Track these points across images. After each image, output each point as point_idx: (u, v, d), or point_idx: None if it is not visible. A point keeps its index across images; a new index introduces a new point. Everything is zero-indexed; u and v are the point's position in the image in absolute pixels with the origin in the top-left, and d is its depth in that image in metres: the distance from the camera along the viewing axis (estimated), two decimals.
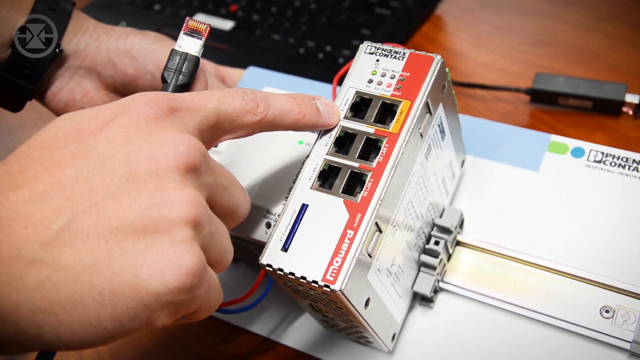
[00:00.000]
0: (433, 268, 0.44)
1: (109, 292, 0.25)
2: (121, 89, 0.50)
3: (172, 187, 0.27)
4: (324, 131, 0.38)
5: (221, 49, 0.72)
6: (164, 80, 0.36)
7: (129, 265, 0.25)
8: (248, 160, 0.43)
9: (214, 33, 0.74)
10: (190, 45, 0.37)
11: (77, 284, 0.24)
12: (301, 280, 0.33)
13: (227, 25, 0.75)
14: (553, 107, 0.58)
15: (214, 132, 0.32)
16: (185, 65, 0.36)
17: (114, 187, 0.26)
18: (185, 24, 0.37)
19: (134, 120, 0.28)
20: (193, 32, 0.37)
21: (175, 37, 0.55)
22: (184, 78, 0.36)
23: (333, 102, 0.37)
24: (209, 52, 0.71)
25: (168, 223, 0.26)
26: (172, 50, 0.37)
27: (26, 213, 0.25)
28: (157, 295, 0.26)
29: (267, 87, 0.47)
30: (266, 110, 0.33)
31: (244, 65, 0.62)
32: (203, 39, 0.37)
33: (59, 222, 0.25)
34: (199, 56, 0.37)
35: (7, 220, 0.24)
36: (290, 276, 0.34)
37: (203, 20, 0.38)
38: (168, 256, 0.26)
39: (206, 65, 0.56)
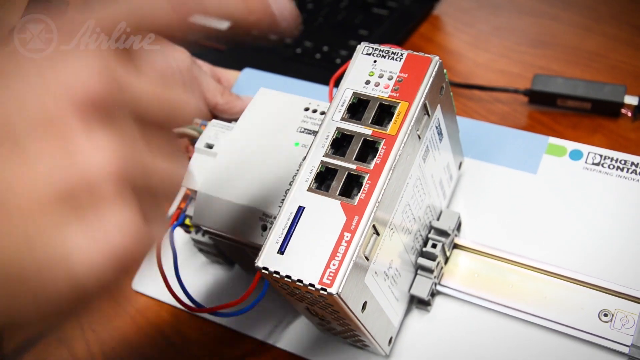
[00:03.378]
0: (430, 271, 0.43)
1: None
2: None
3: (76, 141, 0.21)
4: (320, 132, 0.37)
5: (217, 49, 0.72)
6: None
7: (53, 252, 0.21)
8: (244, 163, 0.43)
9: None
10: None
11: None
12: (297, 283, 0.33)
13: (223, 25, 0.75)
14: (551, 109, 0.58)
15: (133, 34, 0.25)
16: None
17: (7, 155, 0.21)
18: None
19: (22, 60, 0.22)
20: None
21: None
22: None
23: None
24: (205, 52, 0.70)
25: (85, 191, 0.21)
26: None
27: None
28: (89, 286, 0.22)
29: (263, 88, 0.47)
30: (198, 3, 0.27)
31: (240, 65, 0.62)
32: None
33: None
34: None
35: None
36: (286, 279, 0.33)
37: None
38: (95, 238, 0.21)
39: (202, 66, 0.56)
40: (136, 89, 0.24)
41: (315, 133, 0.39)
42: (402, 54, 0.39)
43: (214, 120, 0.46)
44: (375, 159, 0.35)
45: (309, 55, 0.68)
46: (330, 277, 0.32)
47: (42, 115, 0.21)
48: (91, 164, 0.21)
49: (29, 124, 0.21)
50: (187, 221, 0.46)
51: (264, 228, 0.41)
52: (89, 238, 0.21)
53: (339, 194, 0.35)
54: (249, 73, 0.60)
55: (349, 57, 0.40)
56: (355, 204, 0.34)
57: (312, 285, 0.33)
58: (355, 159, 0.36)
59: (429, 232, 0.44)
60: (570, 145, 0.49)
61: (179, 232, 0.51)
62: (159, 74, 0.25)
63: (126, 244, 0.22)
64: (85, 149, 0.21)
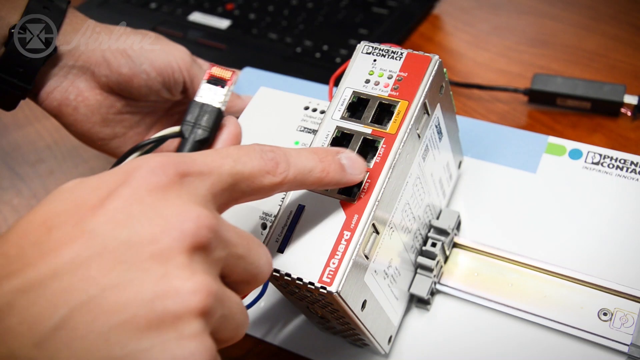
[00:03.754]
0: (430, 270, 0.43)
1: None
2: (116, 88, 0.49)
3: (177, 275, 0.24)
4: (320, 131, 0.37)
5: (218, 47, 0.72)
6: (182, 135, 0.33)
7: None
8: None
9: (210, 32, 0.74)
10: (211, 95, 0.34)
11: None
12: (297, 282, 0.33)
13: (223, 24, 0.75)
14: (551, 108, 0.58)
15: (230, 194, 0.29)
16: (205, 118, 0.33)
17: (114, 275, 0.23)
18: (207, 72, 0.34)
19: (137, 192, 0.25)
20: (216, 81, 0.34)
21: (171, 36, 0.55)
22: (204, 132, 0.33)
23: (358, 156, 0.34)
24: (205, 51, 0.71)
25: (174, 317, 0.24)
26: (191, 101, 0.33)
27: (21, 307, 0.23)
28: None
29: (263, 87, 0.47)
30: (287, 170, 0.30)
31: (240, 64, 0.62)
32: (227, 87, 0.34)
33: (55, 318, 0.23)
34: (222, 107, 0.34)
35: (1, 315, 0.23)
36: (286, 278, 0.33)
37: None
38: (175, 356, 0.23)
39: (202, 64, 0.56)
40: (228, 238, 0.27)
41: (315, 132, 0.39)
42: (401, 53, 0.39)
43: None
44: (374, 158, 0.35)
45: (309, 55, 0.68)
46: (330, 276, 0.33)
47: (155, 247, 0.24)
48: (186, 299, 0.24)
49: (142, 253, 0.24)
50: None
51: (264, 227, 0.41)
52: (169, 357, 0.23)
53: (339, 193, 0.35)
54: (249, 72, 0.60)
55: (349, 56, 0.40)
56: (355, 202, 0.34)
57: (312, 284, 0.33)
58: None
59: (429, 231, 0.44)
60: (570, 144, 0.49)
61: None
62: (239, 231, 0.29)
63: None
64: (185, 285, 0.24)
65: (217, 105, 0.34)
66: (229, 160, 0.28)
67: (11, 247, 0.24)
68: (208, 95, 0.34)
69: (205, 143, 0.33)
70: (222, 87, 0.34)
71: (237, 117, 0.45)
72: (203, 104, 0.34)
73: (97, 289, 0.23)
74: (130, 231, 0.24)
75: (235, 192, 0.29)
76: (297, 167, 0.31)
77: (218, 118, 0.34)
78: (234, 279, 0.28)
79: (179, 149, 0.33)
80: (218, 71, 0.34)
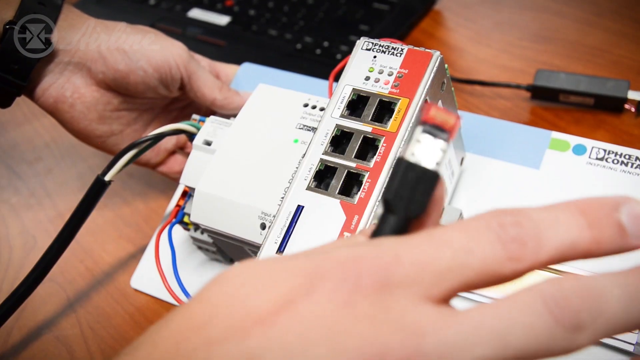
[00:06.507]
0: None
1: None
2: (112, 85, 0.49)
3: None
4: (320, 130, 0.37)
5: (217, 44, 0.71)
6: (387, 208, 0.23)
7: None
8: (243, 160, 0.42)
9: (210, 28, 0.73)
10: (428, 151, 0.23)
11: None
12: None
13: (223, 20, 0.74)
14: (554, 104, 0.58)
15: (446, 297, 0.21)
16: (420, 188, 0.23)
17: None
18: (424, 113, 0.23)
19: (318, 311, 0.20)
20: (435, 129, 0.23)
21: (170, 33, 0.54)
22: (416, 208, 0.23)
23: None
24: (204, 47, 0.70)
25: None
26: (402, 160, 0.23)
27: None
28: None
29: (262, 84, 0.46)
30: (537, 252, 0.21)
31: (240, 61, 0.61)
32: (449, 139, 0.23)
33: None
34: (439, 171, 0.23)
35: None
36: None
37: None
38: None
39: (200, 60, 0.55)
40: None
41: (314, 130, 0.39)
42: (402, 49, 0.38)
43: (212, 117, 0.46)
44: (375, 157, 0.35)
45: (309, 51, 0.68)
46: None
47: (230, 323, 0.20)
48: None
49: (221, 330, 0.20)
50: (186, 219, 0.45)
51: (263, 226, 0.40)
52: None
53: (339, 193, 0.34)
54: (247, 68, 0.60)
55: (349, 52, 0.39)
56: (355, 202, 0.34)
57: None
58: (355, 157, 0.35)
59: None
60: (574, 140, 0.49)
61: (177, 229, 0.50)
62: None
63: None
64: None
65: (436, 167, 0.23)
66: (447, 254, 0.21)
67: (166, 352, 0.20)
68: (423, 152, 0.23)
69: (415, 222, 0.24)
70: (444, 140, 0.23)
71: (236, 115, 0.45)
72: (419, 168, 0.23)
73: None
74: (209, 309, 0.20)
75: (454, 291, 0.21)
76: (552, 244, 0.22)
77: (434, 186, 0.23)
78: None
79: (382, 223, 0.24)
80: (441, 115, 0.23)
